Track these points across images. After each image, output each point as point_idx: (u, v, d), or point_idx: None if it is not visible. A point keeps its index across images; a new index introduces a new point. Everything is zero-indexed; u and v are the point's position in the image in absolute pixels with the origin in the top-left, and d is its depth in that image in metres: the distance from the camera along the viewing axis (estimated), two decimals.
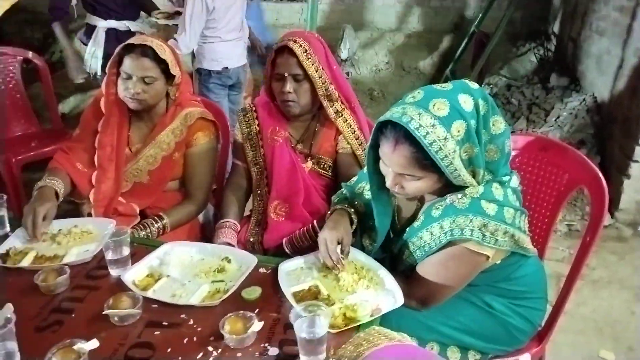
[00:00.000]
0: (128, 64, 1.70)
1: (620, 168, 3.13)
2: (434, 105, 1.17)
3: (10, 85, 3.02)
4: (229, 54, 3.07)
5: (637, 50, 3.16)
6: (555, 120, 3.70)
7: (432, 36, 5.59)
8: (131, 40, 1.73)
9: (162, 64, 1.73)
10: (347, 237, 1.40)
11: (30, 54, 3.09)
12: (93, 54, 3.03)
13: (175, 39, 2.84)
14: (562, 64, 4.48)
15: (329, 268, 1.36)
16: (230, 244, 1.65)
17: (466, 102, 1.19)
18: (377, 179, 1.36)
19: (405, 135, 1.19)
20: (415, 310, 1.37)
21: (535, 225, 1.69)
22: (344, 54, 5.03)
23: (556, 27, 4.99)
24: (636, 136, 3.01)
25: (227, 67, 3.06)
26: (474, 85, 1.24)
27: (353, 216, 1.47)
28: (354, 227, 1.47)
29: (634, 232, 3.07)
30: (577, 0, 4.37)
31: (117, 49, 1.73)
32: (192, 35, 2.86)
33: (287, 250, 1.72)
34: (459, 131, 1.17)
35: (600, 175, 1.51)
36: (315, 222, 1.70)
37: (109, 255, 1.37)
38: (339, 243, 1.37)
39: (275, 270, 1.39)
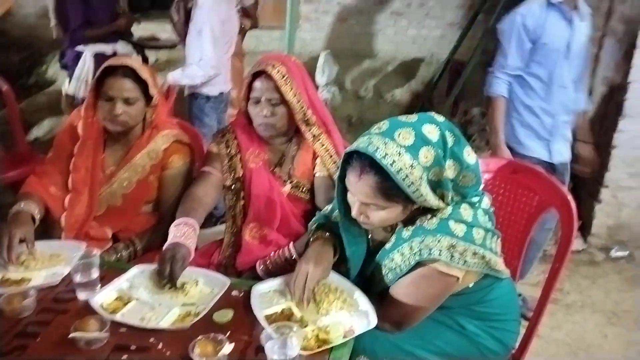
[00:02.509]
0: (110, 85, 1.69)
1: (591, 193, 3.19)
2: (399, 134, 1.20)
3: None
4: (225, 79, 3.12)
5: (604, 79, 3.27)
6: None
7: (409, 64, 5.71)
8: (111, 62, 1.73)
9: (142, 85, 1.73)
10: (325, 275, 1.39)
11: None
12: (80, 80, 3.02)
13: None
14: None
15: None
16: (180, 245, 1.45)
17: (432, 132, 1.21)
18: (345, 209, 1.36)
19: (370, 165, 1.21)
20: (389, 334, 1.36)
21: (508, 247, 1.71)
22: (322, 80, 5.10)
23: None
24: (606, 162, 3.08)
25: (222, 92, 3.10)
26: (440, 118, 1.27)
27: (337, 245, 1.47)
28: (335, 257, 1.46)
29: (606, 256, 3.13)
30: None
31: (98, 72, 1.73)
32: (219, 55, 2.90)
33: (260, 272, 1.70)
34: (427, 157, 1.19)
35: (569, 196, 1.55)
36: (291, 244, 1.69)
37: (77, 278, 1.34)
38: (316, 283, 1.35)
39: (247, 293, 1.37)
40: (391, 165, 1.16)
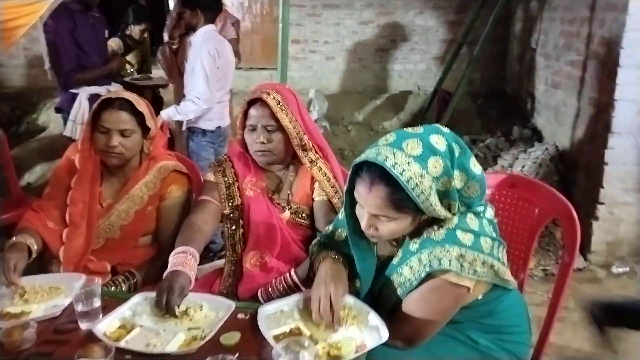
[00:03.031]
0: (106, 118, 1.71)
1: (587, 212, 3.21)
2: (407, 145, 1.20)
3: None
4: (222, 113, 3.16)
5: (590, 100, 3.35)
6: (521, 169, 3.82)
7: (397, 97, 5.82)
8: (108, 95, 1.75)
9: (138, 117, 1.75)
10: (346, 292, 1.36)
11: None
12: (76, 122, 3.04)
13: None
14: (522, 118, 4.69)
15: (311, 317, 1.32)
16: (179, 273, 1.41)
17: (439, 142, 1.22)
18: (354, 223, 1.35)
19: (380, 176, 1.20)
20: (401, 351, 1.33)
21: (512, 260, 1.70)
22: (313, 116, 5.17)
23: (514, 85, 5.27)
24: (599, 180, 3.12)
25: (219, 127, 3.13)
26: (445, 129, 1.27)
27: (346, 263, 1.45)
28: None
29: (608, 273, 3.12)
30: (531, 58, 4.65)
31: (95, 105, 1.74)
32: (212, 90, 2.94)
33: (262, 300, 1.67)
34: (435, 167, 1.18)
35: (569, 204, 1.56)
36: (292, 270, 1.67)
37: (79, 308, 1.31)
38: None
39: (253, 316, 1.34)
40: (401, 174, 1.16)
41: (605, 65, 3.14)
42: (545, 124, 4.26)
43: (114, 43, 3.87)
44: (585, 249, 3.20)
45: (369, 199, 1.24)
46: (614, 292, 2.94)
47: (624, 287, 2.98)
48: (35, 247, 1.62)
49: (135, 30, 4.07)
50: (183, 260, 1.45)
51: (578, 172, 3.47)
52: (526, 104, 4.75)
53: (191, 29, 3.03)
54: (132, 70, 4.11)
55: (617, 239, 3.16)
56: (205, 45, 2.95)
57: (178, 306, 1.34)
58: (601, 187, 3.11)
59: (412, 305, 1.31)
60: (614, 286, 3.00)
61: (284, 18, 3.08)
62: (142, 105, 1.77)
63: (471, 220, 1.29)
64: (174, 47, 3.44)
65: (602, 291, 2.94)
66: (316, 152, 1.77)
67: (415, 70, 5.90)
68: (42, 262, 1.73)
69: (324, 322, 1.28)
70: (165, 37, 3.60)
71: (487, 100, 5.41)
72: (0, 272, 1.45)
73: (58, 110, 3.33)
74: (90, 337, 1.26)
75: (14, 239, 1.60)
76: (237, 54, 3.77)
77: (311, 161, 1.75)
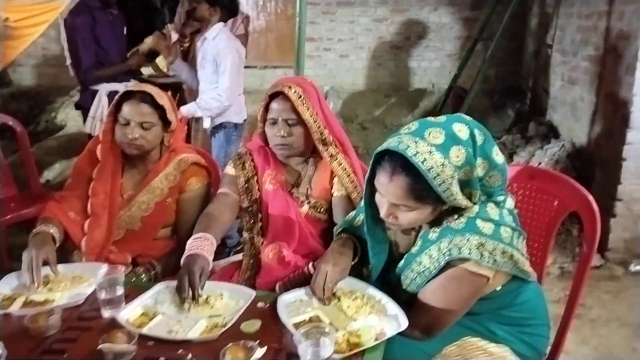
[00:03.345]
0: (127, 110, 1.73)
1: (605, 208, 3.17)
2: (429, 134, 1.20)
3: None
4: (244, 105, 3.23)
5: (608, 95, 3.31)
6: (538, 166, 3.79)
7: (411, 94, 5.80)
8: (130, 87, 1.78)
9: (159, 110, 1.77)
10: (344, 275, 1.41)
11: (10, 120, 3.06)
12: (96, 118, 3.09)
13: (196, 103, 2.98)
14: (538, 115, 4.65)
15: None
16: (197, 255, 1.43)
17: (461, 131, 1.21)
18: (373, 212, 1.36)
19: (402, 166, 1.20)
20: (419, 341, 1.33)
21: (531, 252, 1.69)
22: None
23: (530, 81, 5.23)
24: (617, 176, 3.08)
25: (245, 119, 3.21)
26: (468, 118, 1.27)
27: (357, 245, 1.47)
28: (357, 258, 1.46)
29: (625, 270, 3.08)
30: (547, 54, 4.61)
31: (117, 97, 1.77)
32: (235, 87, 2.99)
33: (280, 293, 1.68)
34: (457, 157, 1.18)
35: (590, 196, 1.54)
36: (311, 264, 1.68)
37: (102, 295, 1.33)
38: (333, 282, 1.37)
39: (273, 305, 1.36)
40: (422, 163, 1.16)
41: (624, 59, 3.10)
42: (561, 120, 4.22)
43: (149, 40, 3.90)
44: (602, 246, 3.16)
45: (389, 189, 1.24)
46: (632, 290, 2.90)
47: None
48: (58, 237, 1.65)
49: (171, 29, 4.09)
50: (199, 244, 1.47)
51: (595, 169, 3.43)
52: (542, 100, 4.72)
53: (201, 22, 3.05)
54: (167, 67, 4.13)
55: (636, 236, 3.12)
56: (233, 43, 3.03)
57: (202, 288, 1.36)
58: (619, 183, 3.07)
59: (430, 294, 1.31)
60: (632, 284, 2.96)
61: (301, 15, 3.08)
62: (163, 98, 1.79)
63: (492, 210, 1.29)
64: (186, 44, 3.50)
65: (619, 289, 2.91)
66: (336, 147, 1.76)
67: (430, 67, 5.89)
68: (63, 252, 1.75)
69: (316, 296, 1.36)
70: (174, 36, 3.63)
71: (502, 97, 5.38)
72: (27, 267, 1.47)
73: (78, 107, 3.38)
74: (113, 324, 1.28)
75: (37, 228, 1.63)
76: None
77: (331, 155, 1.74)
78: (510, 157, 4.15)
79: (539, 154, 3.91)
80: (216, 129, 3.13)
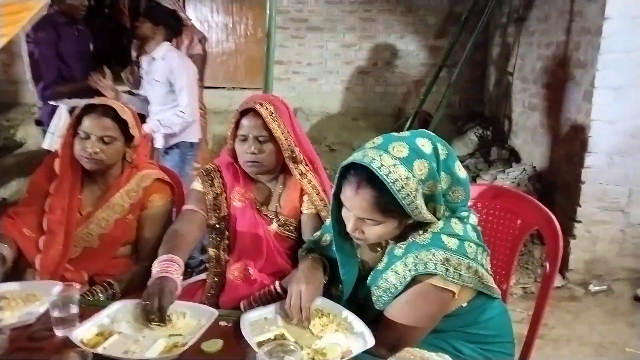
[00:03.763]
0: (88, 123, 1.69)
1: (565, 230, 3.24)
2: (393, 148, 1.21)
3: None
4: (199, 126, 3.20)
5: (567, 120, 3.43)
6: (501, 185, 3.87)
7: (378, 118, 5.88)
8: (92, 101, 1.74)
9: (121, 125, 1.73)
10: (319, 293, 1.38)
11: None
12: (56, 133, 3.00)
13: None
14: (500, 139, 4.78)
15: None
16: (167, 278, 1.38)
17: (425, 145, 1.23)
18: (340, 227, 1.35)
19: (367, 179, 1.21)
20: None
21: (495, 271, 1.71)
22: None
23: (492, 107, 5.38)
24: (576, 199, 3.18)
25: (200, 138, 3.19)
26: (431, 134, 1.29)
27: (327, 264, 1.45)
28: (326, 277, 1.44)
29: (586, 291, 3.15)
30: (509, 82, 4.76)
31: (77, 110, 1.72)
32: (195, 102, 2.99)
33: (244, 311, 1.64)
34: (421, 170, 1.19)
35: (551, 214, 1.58)
36: (277, 282, 1.65)
37: (56, 314, 1.26)
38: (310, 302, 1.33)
39: (236, 324, 1.31)
40: (387, 176, 1.17)
41: (581, 87, 3.23)
42: (522, 145, 4.34)
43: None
44: (563, 267, 3.23)
45: (355, 202, 1.24)
46: (592, 310, 2.96)
47: (601, 306, 3.01)
48: (10, 256, 1.57)
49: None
50: (169, 267, 1.42)
51: (556, 192, 3.53)
52: (504, 125, 4.85)
53: (144, 40, 3.04)
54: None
55: (595, 258, 3.21)
56: (185, 61, 3.03)
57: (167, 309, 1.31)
58: (578, 205, 3.16)
59: (397, 311, 1.30)
60: (592, 304, 3.03)
61: (269, 38, 3.10)
62: (126, 113, 1.75)
63: (456, 225, 1.29)
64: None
65: (580, 310, 2.96)
66: (306, 165, 1.76)
67: (396, 92, 6.00)
68: (16, 270, 1.67)
69: (295, 318, 1.30)
70: (134, 55, 3.60)
71: (466, 122, 5.51)
72: None
73: (38, 122, 3.29)
74: (66, 345, 1.20)
75: None
76: (201, 71, 3.74)
77: (301, 173, 1.73)
78: (473, 180, 4.23)
79: (501, 177, 4.00)
80: (170, 148, 3.10)
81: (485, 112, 5.55)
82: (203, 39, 3.66)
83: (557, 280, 3.17)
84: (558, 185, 3.52)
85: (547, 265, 1.58)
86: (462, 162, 4.33)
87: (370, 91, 6.05)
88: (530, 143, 4.13)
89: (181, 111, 2.94)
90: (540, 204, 1.64)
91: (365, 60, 5.97)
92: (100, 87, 2.98)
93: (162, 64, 2.98)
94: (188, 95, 2.94)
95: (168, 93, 2.99)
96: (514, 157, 4.36)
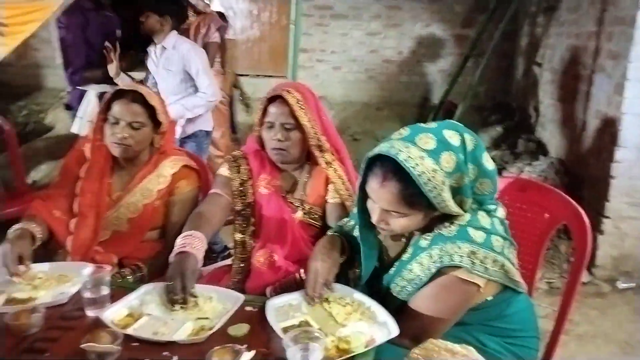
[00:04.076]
0: (117, 109, 1.71)
1: (593, 225, 3.17)
2: (420, 139, 1.20)
3: None
4: (211, 115, 3.21)
5: (597, 113, 3.36)
6: (529, 178, 3.82)
7: (402, 108, 5.84)
8: (121, 87, 1.76)
9: (149, 110, 1.75)
10: (335, 269, 1.39)
11: None
12: (84, 119, 3.05)
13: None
14: (527, 131, 4.70)
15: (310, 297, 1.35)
16: (187, 254, 1.42)
17: (452, 137, 1.22)
18: (365, 218, 1.35)
19: (393, 171, 1.20)
20: (409, 350, 1.31)
21: (521, 265, 1.68)
22: None
23: (519, 98, 5.29)
24: (605, 193, 3.11)
25: (213, 126, 3.19)
26: (459, 124, 1.28)
27: (345, 244, 1.46)
28: (344, 256, 1.44)
29: (612, 287, 3.10)
30: (537, 73, 4.67)
31: (107, 95, 1.75)
32: (215, 83, 3.01)
33: (270, 297, 1.66)
34: (448, 162, 1.18)
35: (580, 209, 1.55)
36: (302, 270, 1.66)
37: (87, 294, 1.30)
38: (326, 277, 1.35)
39: (262, 309, 1.33)
40: (413, 168, 1.16)
41: (613, 78, 3.16)
42: (550, 137, 4.26)
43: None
44: (590, 263, 3.17)
45: (380, 194, 1.23)
46: (619, 307, 2.91)
47: (628, 303, 2.95)
48: (40, 235, 1.61)
49: None
50: (189, 241, 1.45)
51: (583, 186, 3.47)
52: (531, 117, 4.77)
53: (152, 33, 3.01)
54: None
55: (623, 254, 3.14)
56: (195, 45, 3.07)
57: (192, 288, 1.34)
58: (607, 200, 3.10)
59: (421, 302, 1.30)
60: (619, 301, 2.98)
61: (296, 26, 3.10)
62: (154, 99, 1.77)
63: (483, 218, 1.28)
64: None
65: (606, 306, 2.92)
66: (332, 154, 1.76)
67: (421, 82, 5.94)
68: (48, 251, 1.72)
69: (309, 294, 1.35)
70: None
71: (492, 113, 5.43)
72: (4, 262, 1.44)
73: (67, 107, 3.35)
74: (97, 325, 1.25)
75: (17, 225, 1.59)
76: (216, 58, 3.73)
77: (327, 162, 1.74)
78: (499, 173, 4.17)
79: (528, 170, 3.93)
80: (187, 138, 3.11)
81: (512, 103, 5.46)
82: (222, 28, 3.64)
83: (584, 276, 3.12)
84: (586, 179, 3.45)
85: (574, 260, 1.56)
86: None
87: (394, 80, 6.00)
88: (558, 135, 4.06)
89: (203, 92, 2.95)
90: (569, 198, 1.61)
91: (390, 49, 5.92)
92: (108, 63, 3.00)
93: (174, 53, 2.97)
94: (207, 76, 2.96)
95: (181, 82, 2.99)
96: (541, 149, 4.28)
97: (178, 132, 3.04)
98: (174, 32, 3.03)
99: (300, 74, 6.14)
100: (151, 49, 3.09)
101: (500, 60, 5.44)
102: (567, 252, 3.30)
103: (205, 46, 3.41)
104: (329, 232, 1.58)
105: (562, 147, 3.96)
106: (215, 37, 3.56)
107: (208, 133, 3.19)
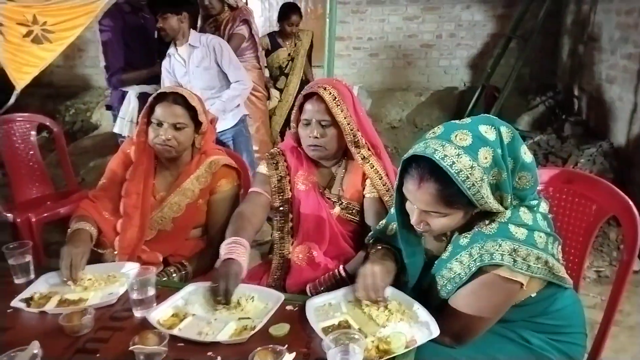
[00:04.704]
0: (160, 111, 1.76)
1: None
2: (455, 136, 1.18)
3: (26, 149, 3.09)
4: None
5: None
6: (574, 167, 3.69)
7: (442, 93, 5.73)
8: (163, 89, 1.81)
9: (191, 112, 1.79)
10: (390, 276, 1.38)
11: (47, 120, 3.17)
12: (126, 119, 3.13)
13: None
14: (574, 114, 4.53)
15: (359, 301, 1.33)
16: (233, 261, 1.44)
17: (488, 132, 1.19)
18: (403, 218, 1.34)
19: (430, 171, 1.18)
20: (450, 348, 1.31)
21: (567, 259, 1.64)
22: None
23: (565, 79, 5.09)
24: None
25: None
26: (494, 117, 1.24)
27: (397, 256, 1.46)
28: (397, 267, 1.44)
29: None
30: (584, 52, 4.48)
31: (150, 99, 1.79)
32: (245, 71, 3.09)
33: (310, 294, 1.67)
34: (486, 158, 1.16)
35: (629, 201, 1.49)
36: (342, 266, 1.67)
37: (134, 296, 1.35)
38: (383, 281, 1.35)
39: (302, 308, 1.35)
40: (450, 166, 1.14)
41: None
42: (598, 120, 4.09)
43: (263, 41, 3.98)
44: None
45: (418, 196, 1.22)
46: None
47: None
48: (94, 236, 1.69)
49: (283, 26, 4.10)
50: (235, 249, 1.48)
51: (634, 170, 3.32)
52: (579, 99, 4.59)
53: (173, 35, 2.99)
54: (283, 65, 4.19)
55: None
56: (217, 37, 3.10)
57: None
58: None
59: (461, 300, 1.29)
60: None
61: (331, 15, 3.07)
62: (194, 100, 1.81)
63: (524, 214, 1.25)
64: None
65: None
66: (369, 149, 1.76)
67: (461, 65, 5.81)
68: (95, 251, 1.79)
69: (364, 296, 1.32)
70: None
71: (537, 96, 5.25)
72: (64, 265, 1.50)
73: (108, 107, 3.44)
74: (144, 325, 1.29)
75: (76, 225, 1.66)
76: (256, 54, 3.73)
77: (363, 158, 1.74)
78: (545, 158, 4.04)
79: (576, 154, 3.80)
80: (236, 126, 3.17)
81: (558, 84, 5.26)
82: (248, 21, 3.62)
83: (635, 264, 3.00)
84: (636, 163, 3.30)
85: (624, 248, 1.50)
86: (531, 138, 4.18)
87: (434, 65, 5.89)
88: (607, 118, 3.89)
89: (237, 81, 3.00)
90: (617, 189, 1.54)
91: (429, 33, 5.81)
92: None
93: (203, 50, 2.99)
94: (236, 66, 3.02)
95: (214, 77, 3.03)
96: (588, 132, 4.11)
97: (229, 123, 3.12)
98: (193, 30, 3.04)
99: (337, 62, 6.09)
100: (173, 53, 3.07)
101: (545, 40, 5.24)
102: (617, 240, 3.17)
103: (230, 38, 3.44)
104: (369, 239, 1.57)
105: (611, 130, 3.80)
106: (240, 29, 3.55)
107: (243, 120, 3.25)
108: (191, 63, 3.04)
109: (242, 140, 3.22)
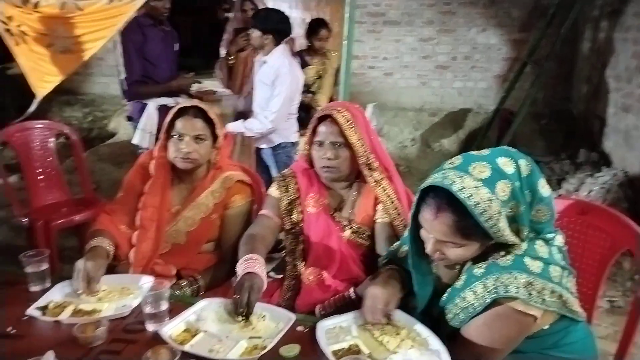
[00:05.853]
0: (181, 125, 1.79)
1: None
2: (474, 168, 1.18)
3: (45, 156, 3.12)
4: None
5: None
6: (587, 194, 3.67)
7: (455, 115, 5.74)
8: (183, 104, 1.84)
9: (210, 125, 1.82)
10: (395, 299, 1.38)
11: (65, 128, 3.22)
12: (145, 131, 3.17)
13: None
14: (588, 141, 4.51)
15: (367, 323, 1.34)
16: (255, 275, 1.46)
17: (506, 165, 1.19)
18: (417, 247, 1.35)
19: (447, 202, 1.19)
20: None
21: (580, 291, 1.63)
22: None
23: (580, 106, 5.08)
24: None
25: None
26: (513, 150, 1.25)
27: (405, 278, 1.45)
28: (404, 291, 1.44)
29: None
30: (599, 80, 4.48)
31: (169, 114, 1.82)
32: (284, 111, 3.04)
33: (319, 316, 1.67)
34: (504, 191, 1.16)
35: None
36: (352, 289, 1.67)
37: (147, 309, 1.36)
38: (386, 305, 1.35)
39: (312, 329, 1.35)
40: (468, 199, 1.15)
41: None
42: (614, 148, 4.08)
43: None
44: None
45: (435, 226, 1.23)
46: None
47: None
48: (111, 252, 1.70)
49: (312, 42, 4.12)
50: (253, 264, 1.50)
51: None
52: (593, 126, 4.58)
53: (258, 48, 3.09)
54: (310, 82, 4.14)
55: None
56: (294, 70, 3.07)
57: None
58: None
59: (474, 331, 1.28)
60: None
61: (349, 36, 3.10)
62: (212, 113, 1.84)
63: (540, 247, 1.25)
64: (230, 62, 3.59)
65: None
66: (382, 173, 1.76)
67: (475, 88, 5.83)
68: (110, 263, 1.81)
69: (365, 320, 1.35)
70: (222, 52, 3.71)
71: (551, 121, 5.25)
72: (79, 278, 1.52)
73: (129, 118, 3.47)
74: (157, 339, 1.30)
75: (93, 242, 1.67)
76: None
77: (376, 181, 1.74)
78: (558, 184, 4.03)
79: (590, 181, 3.78)
80: (276, 149, 3.18)
81: (573, 111, 5.25)
82: (291, 41, 3.64)
83: None
84: None
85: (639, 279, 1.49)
86: (545, 163, 4.17)
87: (448, 86, 5.91)
88: (623, 146, 3.88)
89: (266, 117, 2.99)
90: (632, 222, 1.54)
91: (444, 55, 5.84)
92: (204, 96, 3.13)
93: (270, 69, 3.01)
94: (281, 103, 2.98)
95: (268, 99, 3.04)
96: (603, 160, 4.10)
97: (265, 142, 3.16)
98: (279, 48, 3.04)
99: (352, 80, 6.17)
100: (255, 61, 3.23)
101: (560, 66, 5.25)
102: (631, 270, 3.14)
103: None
104: (382, 261, 1.57)
105: (626, 159, 3.79)
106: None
107: (294, 143, 3.26)
108: (257, 76, 3.13)
109: (280, 161, 3.21)
